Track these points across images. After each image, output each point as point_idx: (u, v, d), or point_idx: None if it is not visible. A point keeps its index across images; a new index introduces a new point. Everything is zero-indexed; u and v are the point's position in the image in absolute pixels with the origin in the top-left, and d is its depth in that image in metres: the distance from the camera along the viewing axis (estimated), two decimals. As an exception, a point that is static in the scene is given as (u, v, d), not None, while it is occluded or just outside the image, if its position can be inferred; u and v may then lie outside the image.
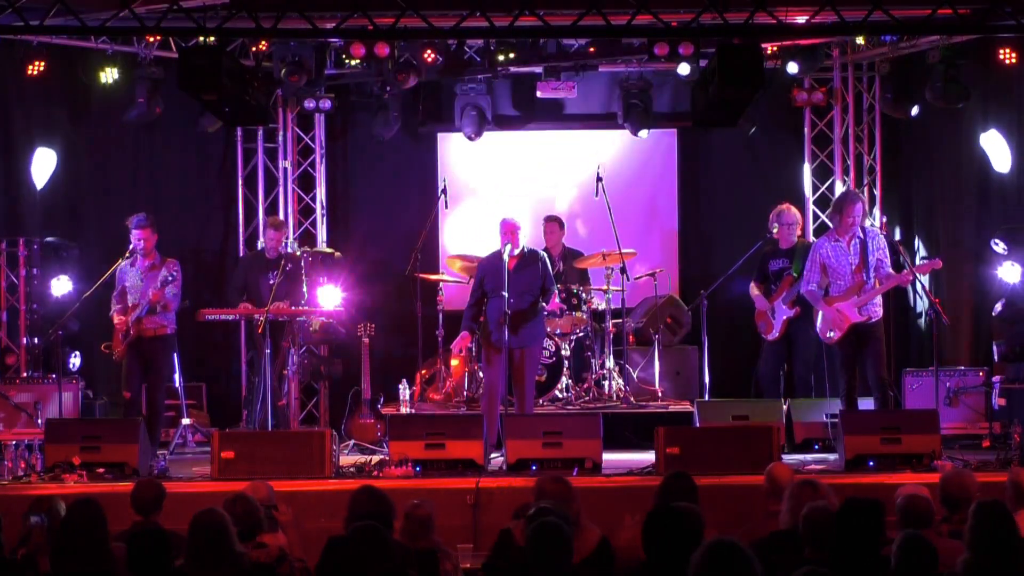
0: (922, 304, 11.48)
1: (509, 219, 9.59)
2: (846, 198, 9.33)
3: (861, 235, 9.06)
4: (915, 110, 11.29)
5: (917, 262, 11.00)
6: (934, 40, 10.60)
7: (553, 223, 11.08)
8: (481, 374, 10.16)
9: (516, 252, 9.46)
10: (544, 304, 9.51)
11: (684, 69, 10.55)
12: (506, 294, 9.15)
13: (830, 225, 11.96)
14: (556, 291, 9.81)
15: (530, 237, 11.34)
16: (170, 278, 9.20)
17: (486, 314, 9.52)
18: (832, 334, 9.11)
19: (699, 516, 4.79)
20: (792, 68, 11.19)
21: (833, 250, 9.14)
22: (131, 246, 9.39)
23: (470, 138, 11.72)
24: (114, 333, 9.42)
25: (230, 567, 4.93)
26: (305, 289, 10.20)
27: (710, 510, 5.20)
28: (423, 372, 11.00)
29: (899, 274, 9.20)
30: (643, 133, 11.59)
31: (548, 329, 10.44)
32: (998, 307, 10.21)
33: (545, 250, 11.02)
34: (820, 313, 9.21)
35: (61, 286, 11.01)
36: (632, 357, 11.01)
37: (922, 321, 11.58)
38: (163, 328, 9.37)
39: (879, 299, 9.14)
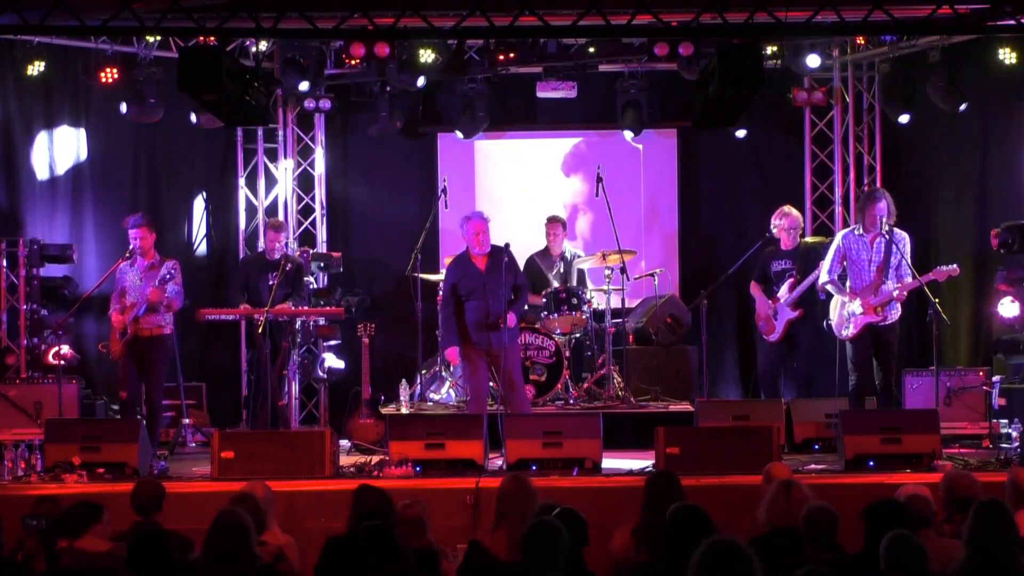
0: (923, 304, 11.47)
1: (476, 218, 9.17)
2: (869, 196, 9.21)
3: (887, 235, 8.93)
4: (905, 118, 11.28)
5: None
6: (934, 40, 10.60)
7: (556, 224, 11.06)
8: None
9: (486, 252, 9.12)
10: (513, 310, 9.07)
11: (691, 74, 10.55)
12: (498, 296, 8.93)
13: (829, 225, 12.11)
14: (525, 292, 9.40)
15: (531, 237, 11.38)
16: (168, 276, 9.19)
17: (462, 318, 9.15)
18: (847, 331, 9.02)
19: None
20: (814, 62, 11.20)
21: (856, 243, 9.02)
22: (131, 246, 9.40)
23: (469, 138, 11.73)
24: (111, 332, 9.42)
25: (245, 567, 4.93)
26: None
27: (710, 510, 5.19)
28: (423, 372, 11.00)
29: (912, 281, 8.98)
30: (631, 135, 11.58)
31: (549, 328, 10.44)
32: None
33: (546, 249, 11.05)
34: (838, 307, 9.11)
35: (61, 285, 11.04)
36: (632, 357, 11.01)
37: (922, 321, 11.57)
38: (160, 328, 9.35)
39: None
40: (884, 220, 8.89)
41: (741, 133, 11.64)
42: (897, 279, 8.95)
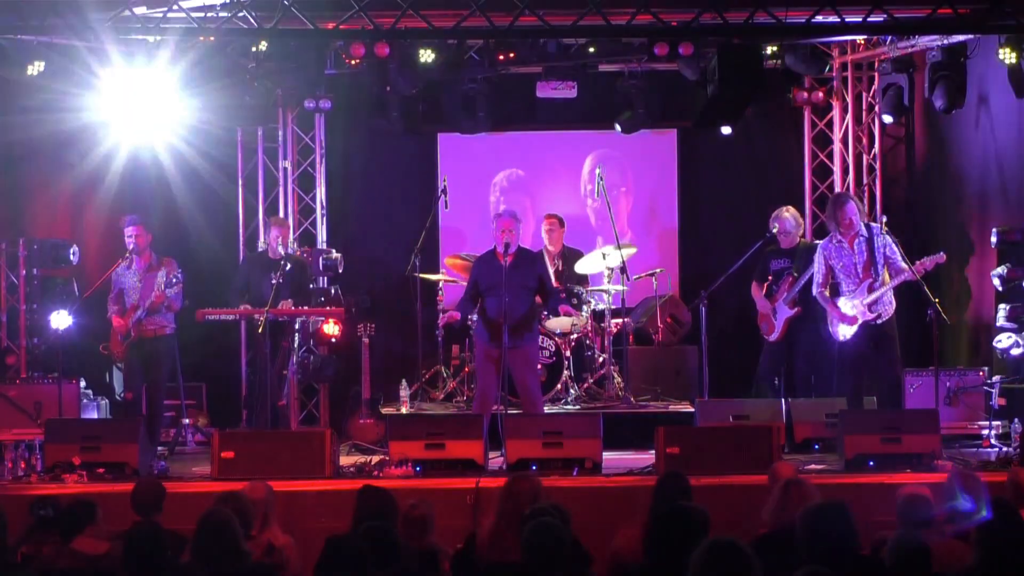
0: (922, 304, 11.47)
1: (505, 215, 9.27)
2: (836, 202, 9.32)
3: (866, 233, 9.02)
4: (888, 119, 11.25)
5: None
6: (934, 40, 10.60)
7: (554, 220, 11.07)
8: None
9: (512, 250, 9.13)
10: (549, 310, 9.33)
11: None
12: (505, 296, 8.97)
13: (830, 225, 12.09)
14: (558, 293, 9.69)
15: (531, 236, 11.37)
16: (174, 280, 9.19)
17: (482, 315, 9.31)
18: (846, 336, 9.09)
19: (706, 515, 4.81)
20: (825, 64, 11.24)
21: (837, 251, 9.11)
22: (128, 246, 9.39)
23: (469, 135, 11.73)
24: (112, 334, 9.42)
25: (235, 565, 4.94)
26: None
27: (710, 510, 5.18)
28: (423, 372, 11.00)
29: (906, 270, 9.05)
30: (630, 134, 11.58)
31: (549, 328, 10.44)
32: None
33: (544, 249, 11.04)
34: (831, 315, 9.21)
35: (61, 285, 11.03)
36: (632, 357, 11.00)
37: (922, 321, 11.56)
38: (163, 328, 9.37)
39: (891, 297, 9.11)
40: (856, 221, 8.99)
41: (727, 130, 11.60)
42: (895, 271, 8.99)
